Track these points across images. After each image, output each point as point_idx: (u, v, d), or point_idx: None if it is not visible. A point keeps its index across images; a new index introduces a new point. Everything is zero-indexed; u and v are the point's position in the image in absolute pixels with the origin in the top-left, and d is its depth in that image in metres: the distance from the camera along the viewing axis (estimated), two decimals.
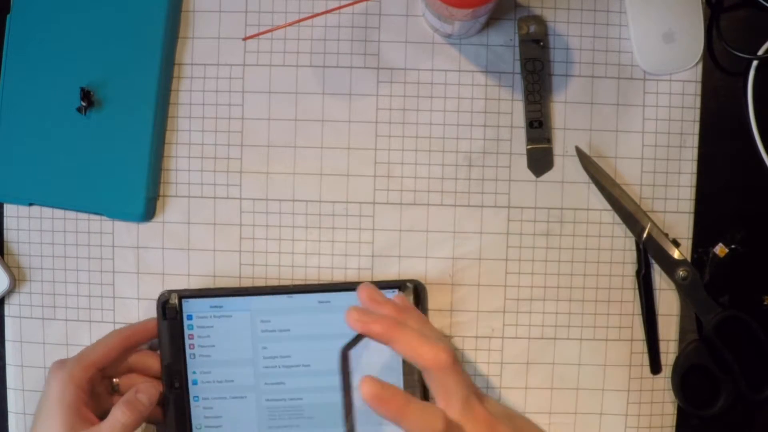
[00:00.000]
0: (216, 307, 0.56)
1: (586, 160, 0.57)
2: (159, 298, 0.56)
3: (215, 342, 0.56)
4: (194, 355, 0.56)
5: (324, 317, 0.56)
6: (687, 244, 0.58)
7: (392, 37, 0.57)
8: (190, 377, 0.56)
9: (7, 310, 0.59)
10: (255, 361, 0.56)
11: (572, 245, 0.58)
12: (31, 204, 0.58)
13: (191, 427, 0.56)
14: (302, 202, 0.58)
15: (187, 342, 0.56)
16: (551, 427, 0.58)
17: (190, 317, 0.56)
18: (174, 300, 0.55)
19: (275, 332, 0.56)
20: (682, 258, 0.56)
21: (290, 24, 0.57)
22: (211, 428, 0.56)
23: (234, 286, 0.57)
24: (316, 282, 0.58)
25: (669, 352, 0.58)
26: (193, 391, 0.56)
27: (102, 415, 0.52)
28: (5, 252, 0.59)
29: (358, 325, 0.44)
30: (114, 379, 0.55)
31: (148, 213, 0.57)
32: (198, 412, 0.56)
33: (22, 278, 0.59)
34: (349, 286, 0.55)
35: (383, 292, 0.48)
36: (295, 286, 0.56)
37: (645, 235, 0.56)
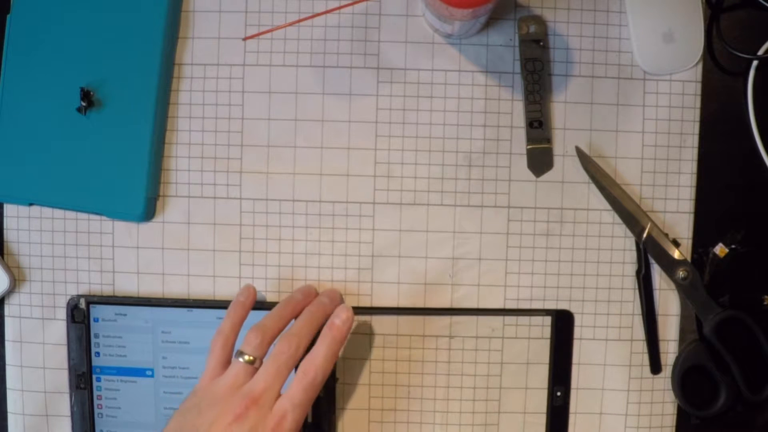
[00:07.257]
0: (121, 315, 0.57)
1: (586, 160, 0.57)
2: (68, 303, 0.57)
3: (119, 348, 0.58)
4: (99, 355, 0.58)
5: None
6: (687, 244, 0.58)
7: (392, 37, 0.57)
8: (95, 379, 0.58)
9: (7, 310, 0.59)
10: (155, 369, 0.58)
11: (572, 245, 0.58)
12: (31, 204, 0.58)
13: (94, 428, 0.58)
14: (302, 202, 0.58)
15: (93, 345, 0.57)
16: None
17: (96, 320, 0.57)
18: (82, 305, 0.57)
19: (175, 343, 0.58)
20: (682, 258, 0.56)
21: (290, 24, 0.57)
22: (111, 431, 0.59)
23: (138, 296, 0.58)
24: (223, 298, 0.58)
25: (669, 352, 0.58)
26: (97, 392, 0.58)
27: None
28: (5, 252, 0.59)
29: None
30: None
31: (148, 213, 0.57)
32: (101, 412, 0.58)
33: (22, 278, 0.59)
34: None
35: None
36: (195, 300, 0.58)
37: (645, 235, 0.56)
